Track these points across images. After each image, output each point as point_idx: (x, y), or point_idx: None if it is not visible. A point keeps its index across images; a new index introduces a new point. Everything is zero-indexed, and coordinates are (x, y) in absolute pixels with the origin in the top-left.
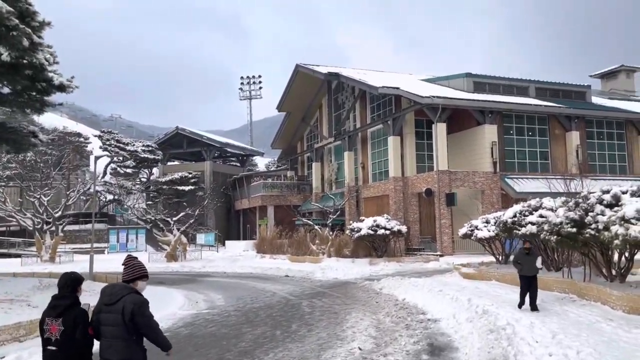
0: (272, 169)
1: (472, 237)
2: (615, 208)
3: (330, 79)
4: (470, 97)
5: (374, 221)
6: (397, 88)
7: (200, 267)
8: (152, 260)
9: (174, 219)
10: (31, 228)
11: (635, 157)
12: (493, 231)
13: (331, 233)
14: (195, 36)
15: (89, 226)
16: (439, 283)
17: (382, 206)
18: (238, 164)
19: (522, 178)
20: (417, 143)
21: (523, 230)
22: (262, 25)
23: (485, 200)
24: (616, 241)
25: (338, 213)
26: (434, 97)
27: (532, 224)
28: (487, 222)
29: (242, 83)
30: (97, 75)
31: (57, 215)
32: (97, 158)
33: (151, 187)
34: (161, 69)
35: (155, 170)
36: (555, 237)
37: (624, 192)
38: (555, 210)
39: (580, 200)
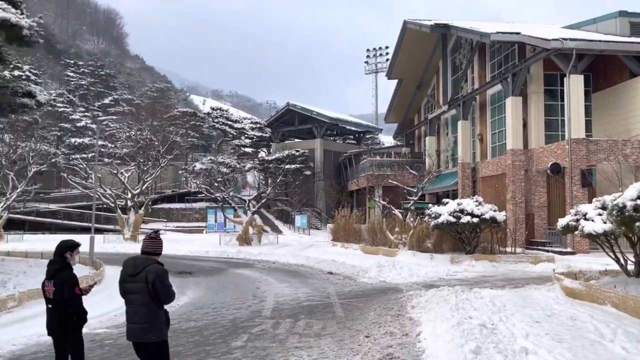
0: (387, 146)
1: (577, 232)
2: None
3: (437, 31)
4: (619, 40)
5: (458, 205)
6: (518, 33)
7: (257, 254)
8: (223, 243)
9: (249, 198)
10: (113, 205)
11: None
12: (610, 222)
13: (412, 220)
14: (339, 8)
15: (196, 205)
16: (513, 304)
17: (501, 187)
18: (355, 142)
19: None
20: (547, 105)
21: None
22: None
23: None
24: None
25: (420, 194)
26: (564, 39)
27: None
28: (604, 207)
29: (367, 56)
30: (263, 67)
31: (136, 192)
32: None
33: (259, 167)
34: (310, 52)
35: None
36: None
37: None
38: None
39: None
